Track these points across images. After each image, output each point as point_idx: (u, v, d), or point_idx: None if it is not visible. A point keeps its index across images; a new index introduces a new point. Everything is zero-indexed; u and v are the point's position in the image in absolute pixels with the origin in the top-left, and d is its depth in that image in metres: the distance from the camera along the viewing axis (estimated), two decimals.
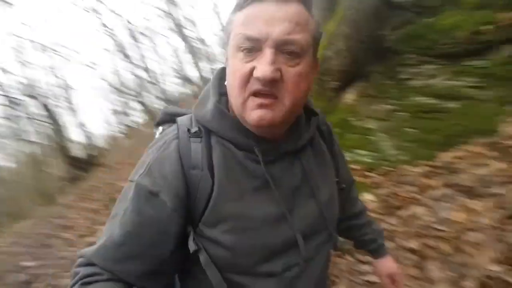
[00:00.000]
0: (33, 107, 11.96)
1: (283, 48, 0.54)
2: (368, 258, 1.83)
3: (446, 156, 2.21)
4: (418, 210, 1.96)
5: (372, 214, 2.09)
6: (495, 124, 2.16)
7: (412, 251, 1.73)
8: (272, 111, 0.55)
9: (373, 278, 1.75)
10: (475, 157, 2.08)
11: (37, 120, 12.16)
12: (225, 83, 0.62)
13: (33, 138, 13.58)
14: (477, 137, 2.21)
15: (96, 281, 0.54)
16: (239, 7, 0.57)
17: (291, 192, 0.64)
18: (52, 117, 11.45)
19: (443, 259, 1.61)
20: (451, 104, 2.36)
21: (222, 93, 0.65)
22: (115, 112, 17.17)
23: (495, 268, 1.44)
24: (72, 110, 14.05)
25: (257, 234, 0.61)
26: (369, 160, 2.51)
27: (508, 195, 1.71)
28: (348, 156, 2.60)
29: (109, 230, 0.58)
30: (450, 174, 2.03)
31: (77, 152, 11.93)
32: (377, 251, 0.93)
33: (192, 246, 0.59)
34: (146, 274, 0.57)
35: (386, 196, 2.17)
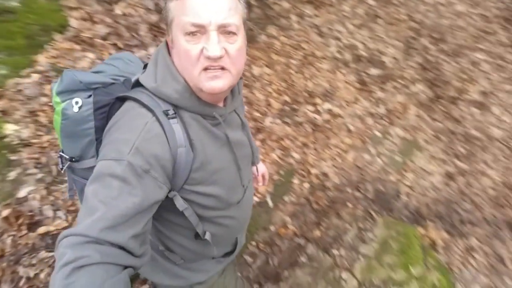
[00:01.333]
0: None
1: (223, 30, 0.66)
2: None
3: (44, 58, 2.42)
4: None
5: None
6: (64, 19, 2.57)
7: None
8: (223, 80, 0.69)
9: None
10: (70, 52, 2.52)
11: None
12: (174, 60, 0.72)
13: None
14: (57, 34, 2.55)
15: (88, 264, 0.52)
16: None
17: (238, 142, 0.85)
18: None
19: None
20: (14, 3, 2.36)
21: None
22: None
23: None
24: None
25: (229, 177, 0.83)
26: None
27: None
28: None
29: (98, 205, 0.58)
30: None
31: None
32: (255, 161, 1.13)
33: (181, 206, 0.75)
34: (137, 235, 0.62)
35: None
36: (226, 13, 0.66)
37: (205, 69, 0.67)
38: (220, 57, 0.66)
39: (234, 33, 0.68)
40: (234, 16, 0.67)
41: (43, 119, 2.11)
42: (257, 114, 2.87)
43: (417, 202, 2.68)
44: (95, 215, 0.57)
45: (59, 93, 0.77)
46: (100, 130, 0.76)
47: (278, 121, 2.93)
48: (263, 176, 1.27)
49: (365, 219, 2.32)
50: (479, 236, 2.47)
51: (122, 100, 0.75)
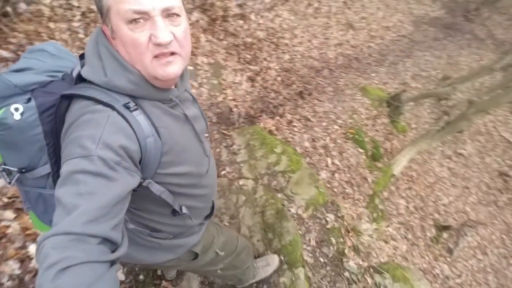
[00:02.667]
0: None
1: (167, 13, 0.65)
2: None
3: None
4: None
5: None
6: None
7: None
8: (176, 64, 0.69)
9: None
10: None
11: None
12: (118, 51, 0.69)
13: None
14: None
15: (73, 265, 0.50)
16: None
17: (195, 117, 0.88)
18: None
19: None
20: None
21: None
22: None
23: None
24: None
25: (195, 153, 0.88)
26: None
27: None
28: None
29: (77, 203, 0.56)
30: None
31: None
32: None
33: (158, 191, 0.77)
34: (119, 222, 0.61)
35: None
36: None
37: (156, 56, 0.67)
38: (170, 42, 0.66)
39: (178, 15, 0.68)
40: None
41: None
42: None
43: (244, 108, 3.42)
44: (75, 211, 0.55)
45: None
46: (49, 134, 0.72)
47: None
48: None
49: (224, 139, 2.84)
50: (289, 111, 3.55)
51: (68, 98, 0.70)
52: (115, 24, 0.65)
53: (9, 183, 0.75)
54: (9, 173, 0.75)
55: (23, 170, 0.74)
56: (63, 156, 0.64)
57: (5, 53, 2.13)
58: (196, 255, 1.11)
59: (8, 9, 2.18)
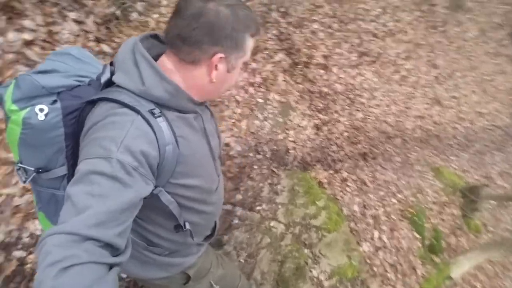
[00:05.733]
0: None
1: None
2: None
3: None
4: None
5: None
6: None
7: None
8: None
9: None
10: None
11: None
12: (211, 78, 0.74)
13: None
14: None
15: (76, 264, 0.50)
16: (253, 34, 0.74)
17: (211, 133, 0.89)
18: None
19: None
20: None
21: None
22: None
23: None
24: None
25: (208, 168, 0.89)
26: None
27: None
28: None
29: (88, 204, 0.56)
30: None
31: None
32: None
33: (168, 201, 0.77)
34: (125, 230, 0.62)
35: None
36: None
37: None
38: None
39: None
40: None
41: None
42: None
43: (301, 153, 3.33)
44: (85, 212, 0.55)
45: (16, 101, 0.70)
46: (70, 136, 0.73)
47: None
48: None
49: (271, 176, 2.75)
50: (346, 169, 3.34)
51: (93, 102, 0.72)
52: (235, 64, 0.75)
53: (24, 181, 0.77)
54: (25, 172, 0.76)
55: (40, 170, 0.75)
56: (81, 154, 0.64)
57: (107, 48, 2.44)
58: (188, 279, 1.04)
59: (119, 13, 2.52)
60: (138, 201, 0.64)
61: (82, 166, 0.61)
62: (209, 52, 0.70)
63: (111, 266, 0.56)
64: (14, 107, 0.70)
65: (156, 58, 0.74)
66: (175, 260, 0.99)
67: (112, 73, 0.74)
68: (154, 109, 0.69)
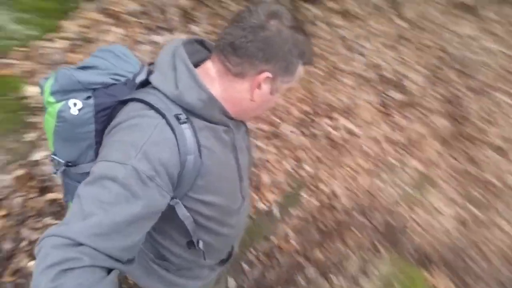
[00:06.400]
0: None
1: None
2: None
3: (71, 25, 2.33)
4: None
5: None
6: None
7: None
8: None
9: None
10: (97, 24, 2.42)
11: None
12: (251, 94, 0.71)
13: None
14: (86, 4, 2.45)
15: (75, 267, 0.50)
16: (305, 63, 0.73)
17: (242, 150, 0.85)
18: None
19: None
20: None
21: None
22: None
23: None
24: None
25: (231, 186, 0.83)
26: None
27: None
28: None
29: (94, 211, 0.55)
30: (89, 43, 2.28)
31: None
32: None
33: (183, 216, 0.73)
34: (131, 246, 0.60)
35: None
36: None
37: None
38: None
39: None
40: None
41: None
42: (275, 119, 2.77)
43: (424, 242, 2.57)
44: (88, 220, 0.54)
45: (53, 93, 0.72)
46: (100, 133, 0.73)
47: (295, 130, 2.83)
48: None
49: (369, 250, 2.21)
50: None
51: (125, 102, 0.72)
52: (280, 87, 0.74)
53: (55, 172, 0.80)
54: (57, 163, 0.78)
55: (69, 164, 0.77)
56: (101, 154, 0.64)
57: None
58: None
59: None
60: (149, 215, 0.61)
61: (98, 168, 0.61)
62: (257, 68, 0.68)
63: (110, 270, 0.56)
64: (51, 99, 0.72)
65: (198, 64, 0.73)
66: (180, 280, 0.94)
67: (149, 74, 0.73)
68: (180, 114, 0.66)
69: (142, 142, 0.61)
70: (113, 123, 0.68)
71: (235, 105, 0.73)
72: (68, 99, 0.71)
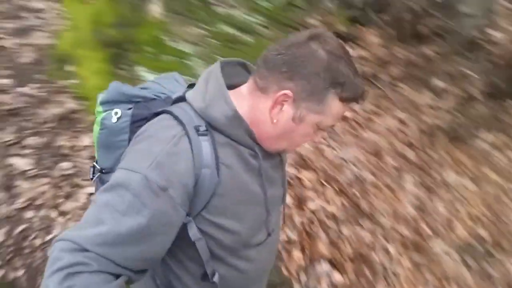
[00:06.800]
0: None
1: None
2: None
3: None
4: None
5: None
6: None
7: None
8: None
9: None
10: None
11: None
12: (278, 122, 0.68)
13: None
14: None
15: (84, 272, 0.53)
16: (342, 97, 0.65)
17: (272, 180, 0.79)
18: None
19: None
20: (249, 38, 2.81)
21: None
22: None
23: None
24: None
25: (254, 215, 0.77)
26: None
27: None
28: None
29: (105, 218, 0.57)
30: None
31: None
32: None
33: (194, 236, 0.68)
34: (141, 258, 0.61)
35: None
36: None
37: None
38: None
39: None
40: None
41: None
42: (425, 228, 2.09)
43: None
44: (99, 227, 0.56)
45: (102, 103, 0.78)
46: None
47: (456, 255, 2.04)
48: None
49: None
50: None
51: (158, 114, 0.73)
52: (305, 116, 0.66)
53: (92, 178, 0.84)
54: (95, 170, 0.83)
55: (103, 171, 0.81)
56: (121, 162, 0.66)
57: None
58: None
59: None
60: (160, 228, 0.61)
61: (115, 176, 0.63)
62: (280, 84, 0.64)
63: (119, 276, 0.58)
64: (99, 108, 0.79)
65: (236, 86, 0.73)
66: None
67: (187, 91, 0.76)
68: (200, 125, 0.66)
69: (158, 152, 0.61)
70: (138, 132, 0.71)
71: (259, 127, 0.69)
72: (113, 109, 0.76)
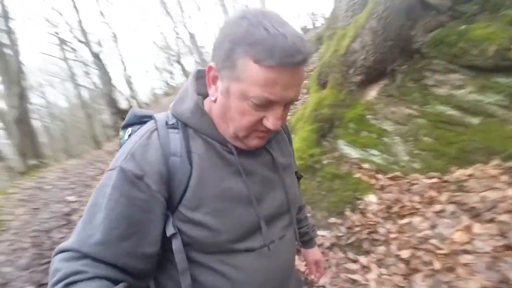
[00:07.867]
0: (84, 52, 13.03)
1: (287, 103, 0.64)
2: (357, 256, 1.97)
3: (457, 172, 2.17)
4: (418, 221, 1.97)
5: (371, 217, 2.17)
6: None
7: (402, 260, 1.78)
8: (264, 140, 0.70)
9: (357, 277, 1.83)
10: (486, 178, 2.03)
11: (86, 65, 13.22)
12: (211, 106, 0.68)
13: (83, 82, 14.94)
14: (493, 158, 2.13)
15: (81, 280, 0.53)
16: (256, 59, 0.55)
17: (261, 179, 0.72)
18: (100, 64, 12.16)
19: (431, 274, 1.63)
20: (473, 119, 2.25)
21: (198, 93, 0.72)
22: (158, 69, 18.06)
23: None
24: (120, 61, 15.33)
25: (237, 215, 0.68)
26: (380, 162, 2.51)
27: None
28: (359, 154, 2.63)
29: (94, 218, 0.59)
30: (458, 191, 2.02)
31: (123, 103, 12.83)
32: (308, 243, 1.07)
33: (170, 230, 0.64)
34: (134, 253, 0.60)
35: (389, 201, 2.20)
36: (299, 90, 0.63)
37: (254, 130, 0.65)
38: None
39: (295, 101, 0.66)
40: (300, 88, 0.63)
41: None
42: None
43: None
44: (89, 228, 0.59)
45: (122, 127, 0.81)
46: None
47: None
48: (316, 264, 1.09)
49: None
50: None
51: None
52: (236, 92, 0.60)
53: None
54: None
55: None
56: None
57: None
58: None
59: None
60: (143, 216, 0.61)
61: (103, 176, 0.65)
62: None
63: (117, 282, 0.57)
64: (121, 132, 0.80)
65: None
66: None
67: None
68: (173, 123, 0.69)
69: (131, 146, 0.64)
70: None
71: (213, 115, 0.69)
72: (128, 130, 0.80)
